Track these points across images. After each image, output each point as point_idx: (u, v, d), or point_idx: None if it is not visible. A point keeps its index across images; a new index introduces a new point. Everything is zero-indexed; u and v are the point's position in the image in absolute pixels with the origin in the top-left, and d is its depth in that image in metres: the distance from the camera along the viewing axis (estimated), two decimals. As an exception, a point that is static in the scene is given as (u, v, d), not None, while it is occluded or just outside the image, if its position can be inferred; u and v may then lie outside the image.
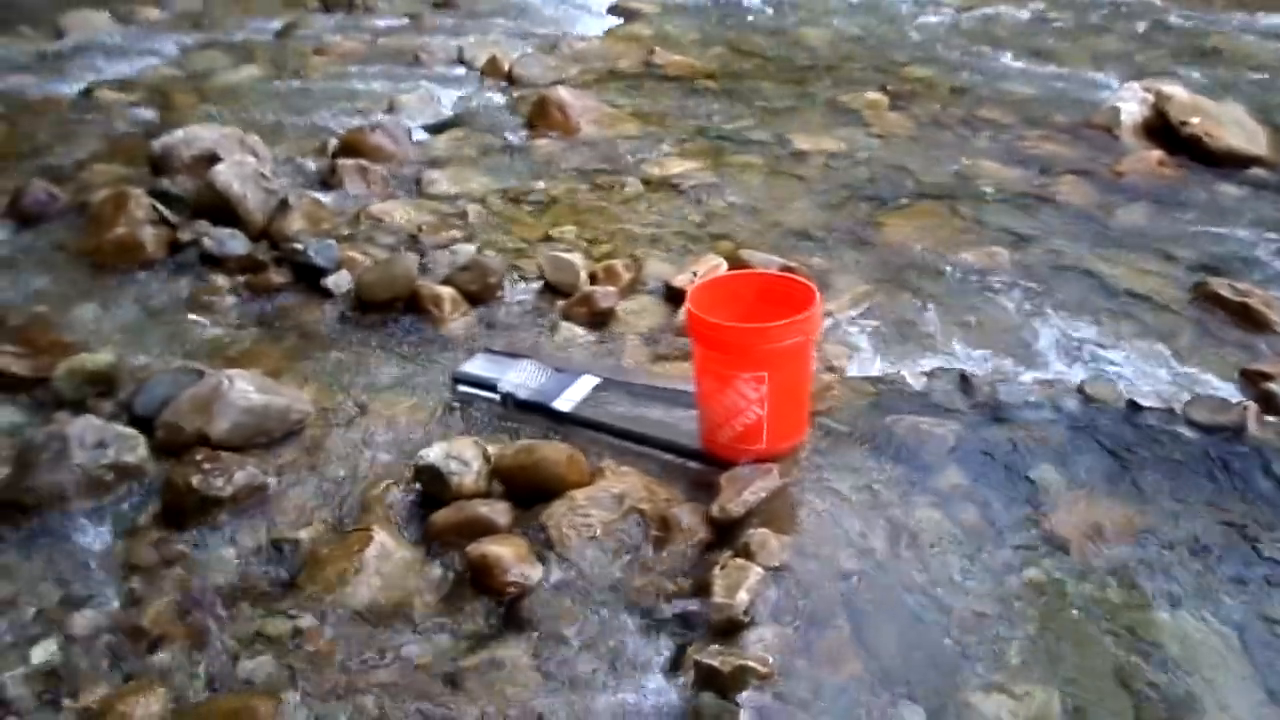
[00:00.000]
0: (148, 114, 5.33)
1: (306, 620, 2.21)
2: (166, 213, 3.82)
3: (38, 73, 6.05)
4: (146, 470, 2.62)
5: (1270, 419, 2.65)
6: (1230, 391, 2.83)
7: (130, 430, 2.68)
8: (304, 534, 2.45)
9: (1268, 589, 2.17)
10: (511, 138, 4.86)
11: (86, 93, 5.66)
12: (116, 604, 2.28)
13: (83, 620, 2.23)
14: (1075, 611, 2.12)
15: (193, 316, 3.42)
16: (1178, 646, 2.03)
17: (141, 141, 4.66)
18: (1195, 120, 4.37)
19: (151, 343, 3.27)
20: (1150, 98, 4.67)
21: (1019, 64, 5.88)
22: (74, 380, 2.95)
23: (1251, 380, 2.85)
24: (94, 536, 2.47)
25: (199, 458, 2.56)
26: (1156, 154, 4.36)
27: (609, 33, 6.82)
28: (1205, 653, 2.02)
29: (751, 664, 1.93)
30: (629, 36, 6.64)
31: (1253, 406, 2.67)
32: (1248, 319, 3.17)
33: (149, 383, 2.90)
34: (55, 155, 4.75)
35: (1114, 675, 1.98)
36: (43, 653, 2.15)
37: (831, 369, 2.94)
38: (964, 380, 2.83)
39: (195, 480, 2.48)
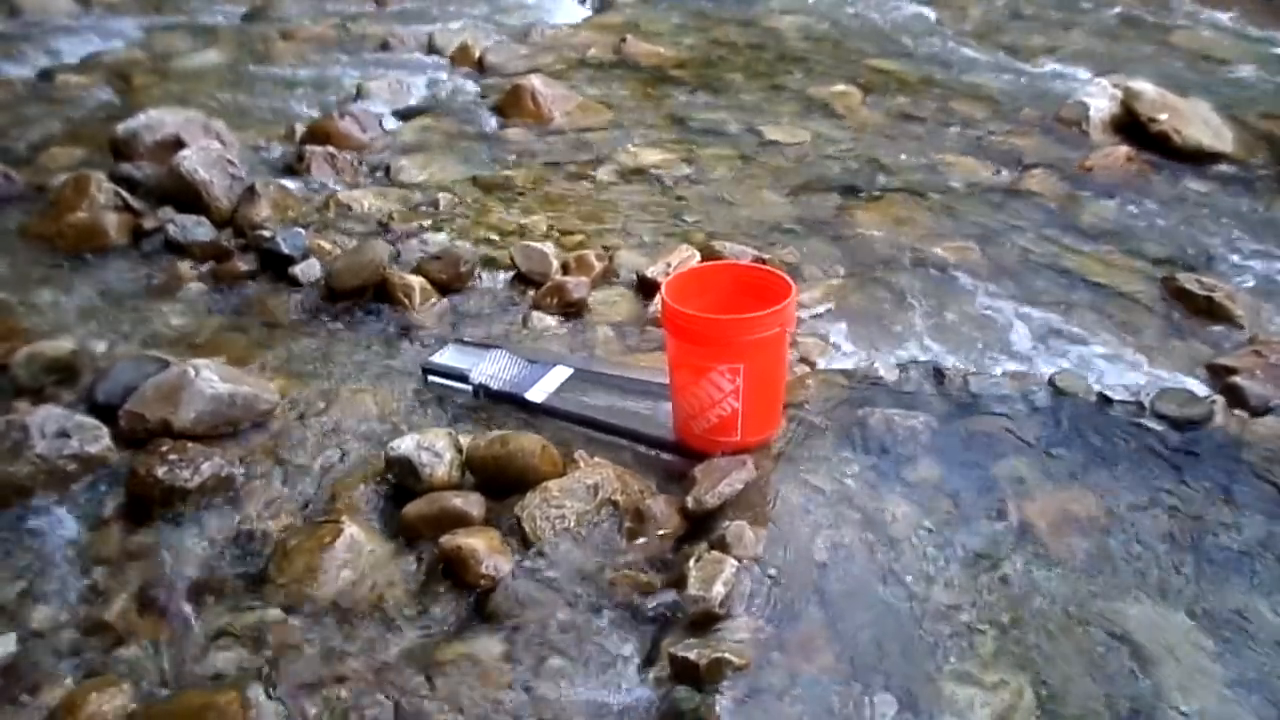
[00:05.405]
0: (108, 97, 5.21)
1: (275, 613, 2.17)
2: (129, 198, 3.75)
3: (-9, 53, 5.91)
4: (110, 461, 2.57)
5: (1237, 412, 2.70)
6: (1197, 385, 2.87)
7: (92, 420, 2.62)
8: (273, 526, 2.41)
9: (1233, 579, 2.20)
10: (483, 126, 4.81)
11: (45, 75, 5.52)
12: (79, 598, 2.23)
13: (44, 614, 2.18)
14: (1045, 601, 2.14)
15: (157, 304, 3.35)
16: (1145, 636, 2.06)
17: (102, 125, 4.57)
18: (1163, 117, 4.42)
19: (114, 330, 3.20)
20: (1118, 94, 4.71)
21: (988, 58, 5.91)
22: (33, 368, 2.89)
23: (1218, 374, 2.88)
24: (56, 529, 2.42)
25: (164, 448, 2.51)
26: (1125, 149, 4.41)
27: (581, 22, 6.78)
28: (1172, 642, 2.05)
29: (728, 656, 1.92)
30: (601, 26, 6.60)
31: (1220, 400, 2.71)
32: (1213, 313, 3.21)
33: (111, 371, 2.84)
34: (11, 138, 4.64)
35: (1084, 664, 2.01)
36: (1, 648, 2.09)
37: (804, 361, 2.95)
38: (937, 373, 2.85)
39: (160, 471, 2.43)
